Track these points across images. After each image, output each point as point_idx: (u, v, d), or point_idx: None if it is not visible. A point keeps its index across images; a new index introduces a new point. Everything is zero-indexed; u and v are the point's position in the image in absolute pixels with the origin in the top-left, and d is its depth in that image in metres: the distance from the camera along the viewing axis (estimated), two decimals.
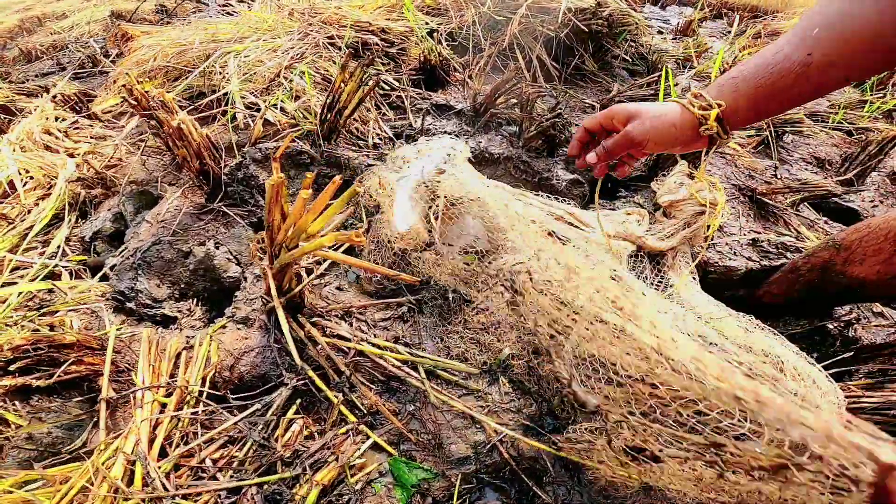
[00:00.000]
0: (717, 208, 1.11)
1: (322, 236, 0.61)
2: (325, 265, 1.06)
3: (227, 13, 2.74)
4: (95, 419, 0.88)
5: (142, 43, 2.00)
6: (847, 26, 0.61)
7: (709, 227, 1.19)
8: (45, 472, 0.80)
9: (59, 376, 0.83)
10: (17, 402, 0.83)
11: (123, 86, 1.17)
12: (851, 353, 0.98)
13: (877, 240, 0.99)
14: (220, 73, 1.66)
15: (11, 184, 1.32)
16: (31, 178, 1.33)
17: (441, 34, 1.98)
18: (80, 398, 0.90)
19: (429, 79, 1.80)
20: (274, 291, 0.80)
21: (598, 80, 1.94)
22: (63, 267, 1.17)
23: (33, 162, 1.33)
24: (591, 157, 0.78)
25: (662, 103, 0.73)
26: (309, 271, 1.02)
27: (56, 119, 1.59)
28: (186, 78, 1.68)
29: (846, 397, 0.84)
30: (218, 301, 1.17)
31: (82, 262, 1.21)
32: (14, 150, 1.40)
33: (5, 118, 1.72)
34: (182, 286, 1.14)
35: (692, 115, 0.70)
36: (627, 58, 2.00)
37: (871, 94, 2.09)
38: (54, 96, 1.72)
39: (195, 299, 1.14)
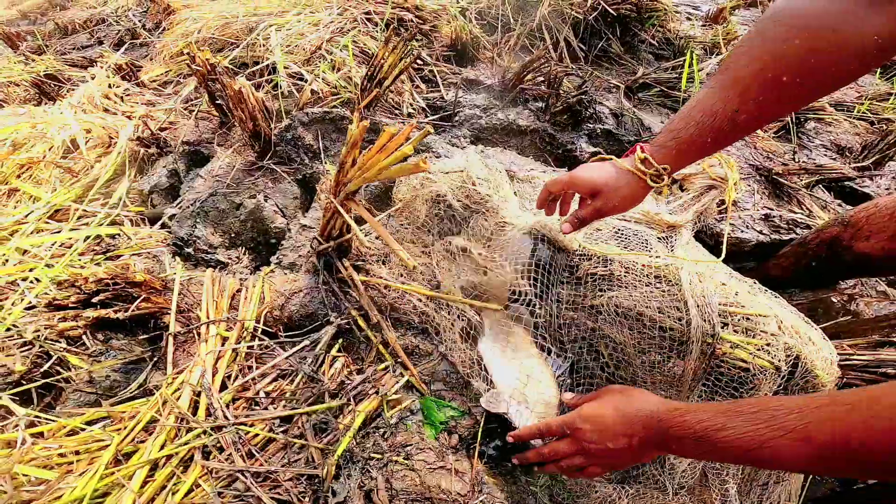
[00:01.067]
0: (728, 182, 1.18)
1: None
2: (381, 217, 1.15)
3: None
4: (155, 359, 0.99)
5: (185, 16, 2.10)
6: (765, 76, 0.68)
7: (724, 202, 1.26)
8: (112, 409, 0.90)
9: (132, 312, 0.94)
10: (94, 336, 0.94)
11: (186, 53, 1.27)
12: (851, 317, 1.05)
13: (883, 218, 1.05)
14: (264, 45, 1.76)
15: (74, 142, 1.44)
16: (91, 138, 1.45)
17: (472, 13, 2.04)
18: (145, 336, 1.02)
19: (459, 55, 1.88)
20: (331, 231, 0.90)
21: (624, 63, 1.99)
22: (124, 216, 1.29)
23: (95, 123, 1.44)
24: (566, 227, 0.87)
25: (616, 172, 0.82)
26: (357, 221, 1.12)
27: (109, 86, 1.71)
28: (231, 49, 1.77)
29: (839, 354, 0.92)
30: (263, 252, 1.28)
31: (140, 214, 1.33)
32: (76, 113, 1.52)
33: (55, 85, 1.83)
34: (232, 235, 1.26)
35: (644, 181, 0.80)
36: (654, 42, 2.04)
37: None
38: (109, 65, 1.83)
39: (244, 248, 1.26)
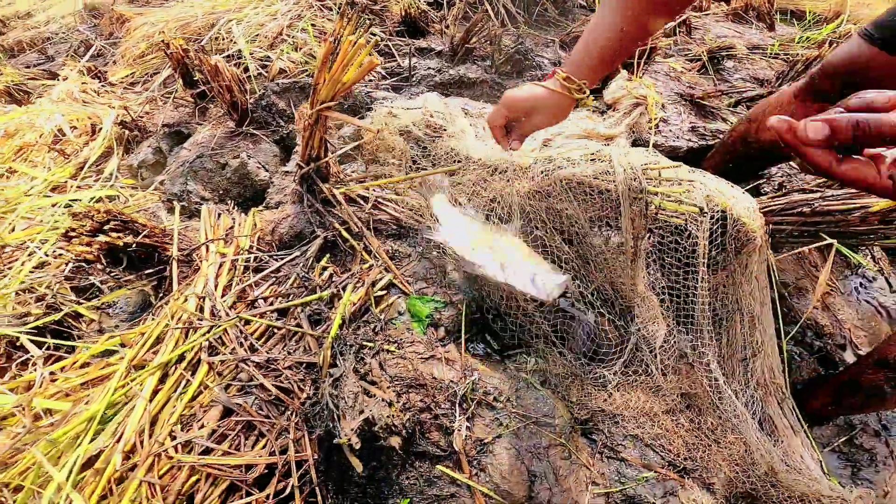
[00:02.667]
0: (649, 99, 1.38)
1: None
2: (348, 147, 1.30)
3: None
4: (161, 292, 1.11)
5: (141, 21, 2.22)
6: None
7: (649, 118, 1.46)
8: (124, 333, 1.02)
9: (139, 239, 1.06)
10: (104, 266, 1.05)
11: (161, 42, 1.41)
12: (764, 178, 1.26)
13: (777, 109, 1.26)
14: (227, 38, 1.90)
15: (61, 131, 1.56)
16: (75, 128, 1.57)
17: None
18: (151, 270, 1.13)
19: (411, 29, 2.06)
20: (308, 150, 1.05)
21: (560, 24, 2.21)
22: (119, 187, 1.41)
23: (78, 113, 1.56)
24: (515, 144, 1.03)
25: (549, 91, 0.97)
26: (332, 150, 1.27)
27: (84, 83, 1.83)
28: (196, 44, 1.91)
29: (759, 203, 1.10)
30: (250, 204, 1.41)
31: (132, 186, 1.45)
32: (57, 106, 1.64)
33: (24, 93, 1.92)
34: (221, 192, 1.39)
35: (568, 96, 0.96)
36: (584, 4, 2.27)
37: (804, 30, 2.39)
38: (78, 68, 1.95)
39: (233, 202, 1.39)
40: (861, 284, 1.45)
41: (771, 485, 1.03)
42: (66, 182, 1.36)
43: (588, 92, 0.99)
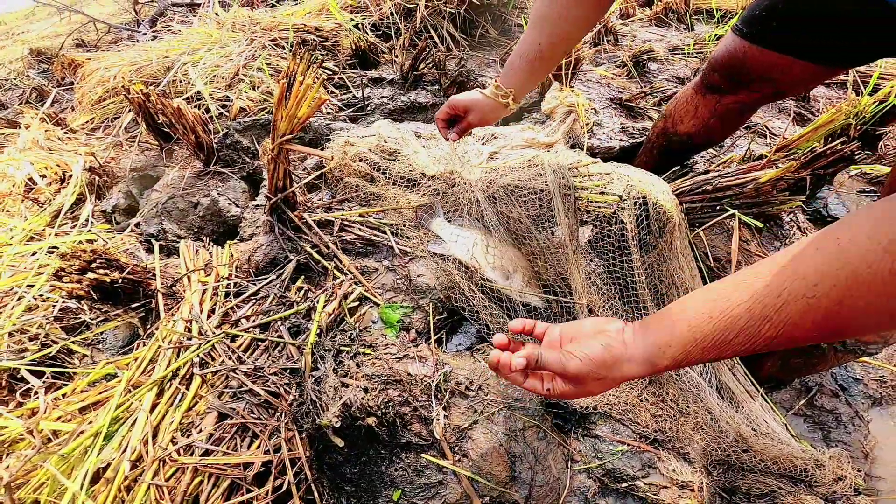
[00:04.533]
0: (579, 106, 1.56)
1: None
2: (312, 177, 1.42)
3: (154, 38, 3.01)
4: (148, 322, 1.20)
5: (95, 66, 2.29)
6: (545, 14, 1.04)
7: (586, 123, 1.63)
8: (117, 360, 1.12)
9: (124, 275, 1.15)
10: (92, 301, 1.14)
11: (121, 88, 1.50)
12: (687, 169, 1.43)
13: (684, 105, 1.42)
14: (184, 81, 2.00)
15: (31, 179, 1.62)
16: (45, 176, 1.64)
17: (366, 26, 2.39)
18: (137, 304, 1.22)
19: (362, 61, 2.21)
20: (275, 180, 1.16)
21: (501, 44, 2.40)
22: (96, 233, 1.49)
23: (46, 161, 1.64)
24: (453, 136, 1.22)
25: (484, 96, 1.16)
26: (298, 181, 1.39)
27: (47, 131, 1.89)
28: (154, 88, 2.01)
29: (672, 186, 1.27)
30: (225, 239, 1.51)
31: (108, 230, 1.53)
32: (25, 155, 1.70)
33: None
34: (196, 229, 1.49)
35: (498, 101, 1.15)
36: (522, 23, 2.47)
37: (716, 28, 2.65)
38: (38, 116, 2.01)
39: (208, 238, 1.48)
40: None
41: (742, 450, 1.10)
42: (43, 230, 1.43)
43: (511, 98, 1.15)
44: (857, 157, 1.41)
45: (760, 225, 1.17)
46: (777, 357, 1.23)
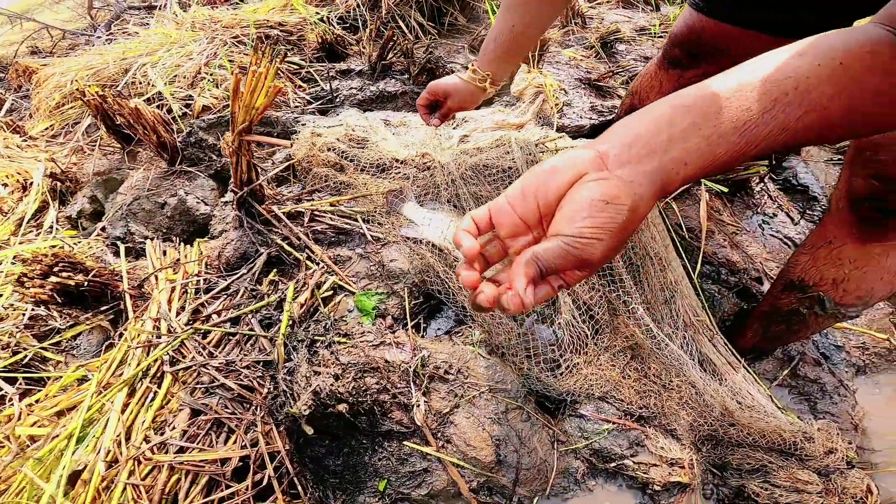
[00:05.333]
0: (547, 86, 1.57)
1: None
2: (279, 169, 1.41)
3: (109, 41, 2.94)
4: (118, 323, 1.19)
5: (50, 72, 2.23)
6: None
7: (556, 103, 1.65)
8: (88, 363, 1.11)
9: (89, 278, 1.13)
10: (59, 306, 1.12)
11: (77, 90, 1.47)
12: None
13: (649, 81, 1.45)
14: (143, 82, 1.96)
15: None
16: (6, 185, 1.60)
17: (332, 19, 2.38)
18: (105, 307, 1.20)
19: (329, 54, 2.20)
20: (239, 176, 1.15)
21: (470, 30, 2.41)
22: (61, 239, 1.46)
23: (6, 170, 1.60)
24: (435, 122, 1.24)
25: (462, 80, 1.18)
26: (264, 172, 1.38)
27: (4, 139, 1.85)
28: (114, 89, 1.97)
29: None
30: (196, 238, 1.49)
31: (74, 237, 1.50)
32: None
33: None
34: (164, 230, 1.46)
35: (477, 85, 1.17)
36: (490, 9, 2.47)
37: (680, 7, 2.69)
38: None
39: (178, 238, 1.46)
40: (764, 221, 1.65)
41: (729, 424, 1.10)
42: (8, 239, 1.40)
43: (489, 81, 1.16)
44: None
45: (725, 189, 1.19)
46: (758, 325, 1.24)
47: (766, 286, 1.38)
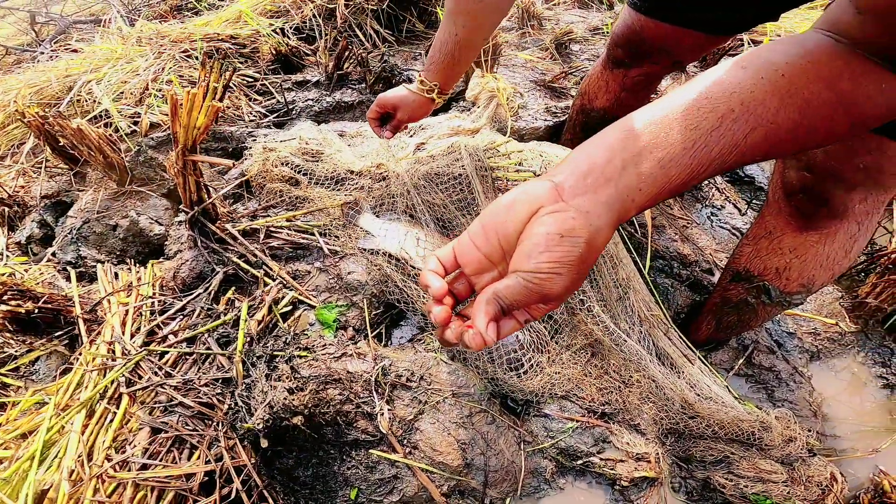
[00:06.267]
0: (499, 91, 1.61)
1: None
2: (231, 186, 1.41)
3: (52, 58, 2.87)
4: (73, 347, 1.17)
5: None
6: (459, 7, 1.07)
7: (510, 106, 1.69)
8: (46, 386, 1.10)
9: (40, 304, 1.12)
10: (12, 333, 1.11)
11: (16, 111, 1.44)
12: None
13: (596, 81, 1.49)
14: (88, 99, 1.92)
15: None
16: None
17: (288, 30, 2.37)
18: (59, 332, 1.18)
19: (285, 66, 2.19)
20: (189, 193, 1.15)
21: (428, 36, 2.44)
22: (11, 266, 1.42)
23: None
24: (387, 134, 1.27)
25: (410, 91, 1.21)
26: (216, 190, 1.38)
27: None
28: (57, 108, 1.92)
29: None
30: (151, 259, 1.48)
31: (25, 263, 1.47)
32: None
33: None
34: (118, 252, 1.45)
35: (424, 96, 1.21)
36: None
37: None
38: None
39: (132, 260, 1.45)
40: (712, 213, 1.73)
41: (690, 417, 1.14)
42: None
43: (437, 92, 1.19)
44: None
45: None
46: (711, 317, 1.27)
47: (716, 277, 1.41)
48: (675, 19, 1.15)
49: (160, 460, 0.93)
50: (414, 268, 1.20)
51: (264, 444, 0.88)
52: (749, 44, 2.28)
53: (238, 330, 1.12)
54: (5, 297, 1.06)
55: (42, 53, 2.64)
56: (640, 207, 0.51)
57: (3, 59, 3.06)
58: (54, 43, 2.77)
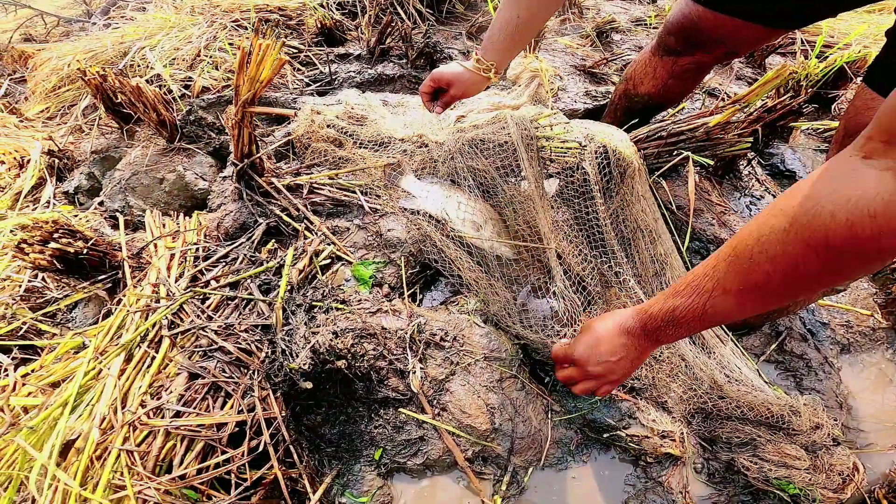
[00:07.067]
0: (542, 71, 1.62)
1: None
2: (278, 143, 1.45)
3: (106, 26, 2.96)
4: (116, 291, 1.21)
5: (47, 56, 2.25)
6: None
7: (550, 87, 1.70)
8: (85, 330, 1.13)
9: (88, 246, 1.16)
10: (57, 274, 1.14)
11: (78, 69, 1.50)
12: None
13: (643, 67, 1.49)
14: (142, 65, 1.99)
15: None
16: (3, 162, 1.63)
17: (332, 4, 2.42)
18: (103, 276, 1.22)
19: (328, 39, 2.24)
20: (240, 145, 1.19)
21: (468, 18, 2.46)
22: (59, 212, 1.49)
23: (3, 147, 1.63)
24: (438, 109, 1.28)
25: (466, 69, 1.22)
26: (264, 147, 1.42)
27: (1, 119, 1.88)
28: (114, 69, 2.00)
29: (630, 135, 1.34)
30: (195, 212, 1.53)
31: (71, 211, 1.53)
32: None
33: None
34: (163, 204, 1.50)
35: (480, 74, 1.21)
36: None
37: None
38: None
39: (175, 213, 1.50)
40: (751, 202, 1.71)
41: (719, 397, 1.14)
42: (5, 213, 1.43)
43: (493, 71, 1.21)
44: (804, 109, 1.52)
45: (711, 163, 1.25)
46: None
47: None
48: (736, 11, 1.15)
49: (194, 408, 0.92)
50: (454, 229, 1.22)
51: (308, 385, 0.89)
52: (802, 42, 2.25)
53: (280, 278, 1.15)
54: (56, 236, 1.10)
55: (94, 24, 2.73)
56: (669, 337, 0.81)
57: (53, 30, 3.18)
58: (109, 14, 2.86)
